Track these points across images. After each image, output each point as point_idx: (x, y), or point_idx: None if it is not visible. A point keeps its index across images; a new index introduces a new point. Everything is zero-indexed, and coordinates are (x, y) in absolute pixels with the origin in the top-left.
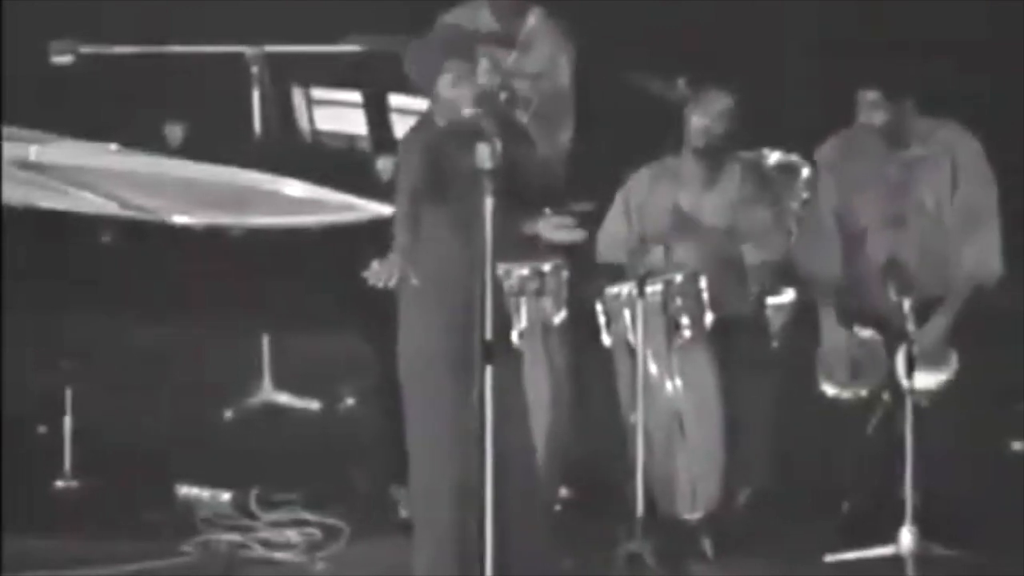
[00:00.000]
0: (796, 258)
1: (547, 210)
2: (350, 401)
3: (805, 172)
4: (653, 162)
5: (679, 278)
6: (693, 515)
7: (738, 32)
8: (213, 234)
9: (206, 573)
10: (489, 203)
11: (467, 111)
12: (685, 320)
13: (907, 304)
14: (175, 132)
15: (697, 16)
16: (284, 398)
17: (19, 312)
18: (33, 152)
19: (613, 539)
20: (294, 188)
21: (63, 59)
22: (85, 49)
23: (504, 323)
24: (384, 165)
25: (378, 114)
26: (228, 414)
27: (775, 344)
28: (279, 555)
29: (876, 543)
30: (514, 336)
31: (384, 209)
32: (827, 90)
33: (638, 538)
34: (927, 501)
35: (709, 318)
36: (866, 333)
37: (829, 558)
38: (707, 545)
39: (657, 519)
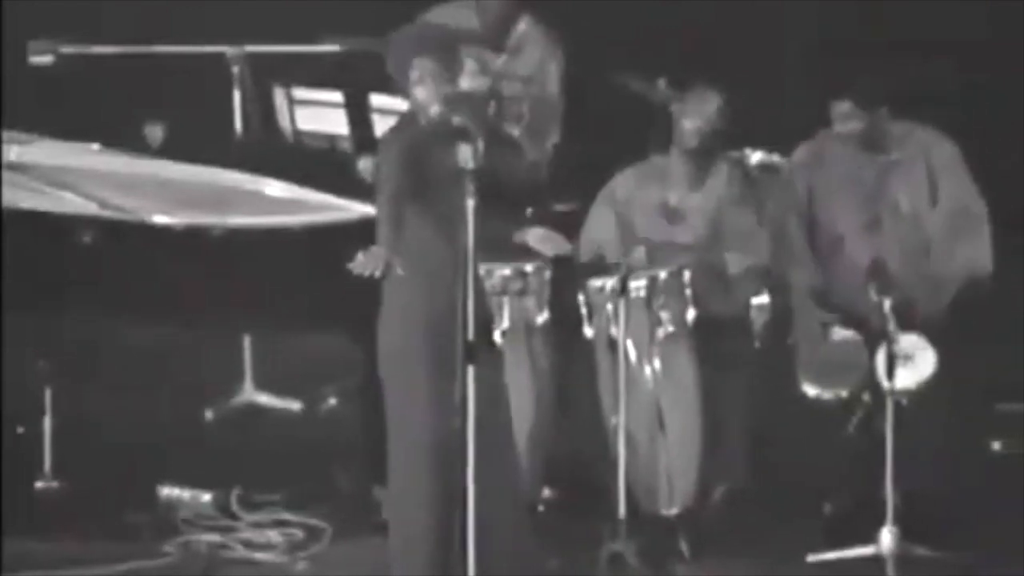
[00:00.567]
0: (769, 262)
1: (529, 210)
2: (332, 401)
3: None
4: (639, 162)
5: (663, 274)
6: (670, 510)
7: (725, 33)
8: (194, 234)
9: (187, 574)
10: (471, 203)
11: (434, 109)
12: (667, 315)
13: (887, 304)
14: (156, 132)
15: (684, 17)
16: (266, 398)
17: None
18: (14, 152)
19: (596, 539)
20: (275, 188)
21: (42, 59)
22: (65, 49)
23: (486, 323)
24: (365, 165)
25: (359, 114)
26: (209, 414)
27: (757, 343)
28: (260, 556)
29: (857, 543)
30: (496, 336)
31: (366, 209)
32: (816, 91)
33: (621, 538)
34: (908, 501)
35: (692, 314)
36: (846, 333)
37: (811, 558)
38: (684, 545)
39: (639, 518)
